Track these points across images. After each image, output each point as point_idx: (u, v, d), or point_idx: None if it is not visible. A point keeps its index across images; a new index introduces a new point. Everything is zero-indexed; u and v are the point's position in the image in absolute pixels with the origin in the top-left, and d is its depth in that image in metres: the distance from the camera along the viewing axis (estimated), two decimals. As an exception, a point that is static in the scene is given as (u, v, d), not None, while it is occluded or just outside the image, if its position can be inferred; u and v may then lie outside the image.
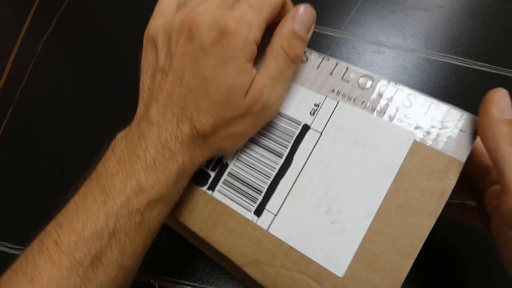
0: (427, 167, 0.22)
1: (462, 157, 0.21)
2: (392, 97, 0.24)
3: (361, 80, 0.24)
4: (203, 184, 0.26)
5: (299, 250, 0.23)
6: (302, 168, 0.24)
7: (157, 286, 0.32)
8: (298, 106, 0.25)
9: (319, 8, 0.44)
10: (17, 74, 0.46)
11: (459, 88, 0.43)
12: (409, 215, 0.21)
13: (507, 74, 0.44)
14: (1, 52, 0.49)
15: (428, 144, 0.22)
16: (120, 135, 0.23)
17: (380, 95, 0.24)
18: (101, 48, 0.48)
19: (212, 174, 0.26)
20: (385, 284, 0.21)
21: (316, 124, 0.24)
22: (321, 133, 0.24)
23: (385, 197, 0.22)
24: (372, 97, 0.24)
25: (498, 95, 0.20)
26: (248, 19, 0.20)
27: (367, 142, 0.23)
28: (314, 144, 0.24)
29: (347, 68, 0.25)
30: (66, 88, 0.45)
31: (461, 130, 0.22)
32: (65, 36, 0.50)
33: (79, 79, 0.46)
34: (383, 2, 0.52)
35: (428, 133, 0.22)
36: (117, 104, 0.41)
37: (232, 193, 0.25)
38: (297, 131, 0.25)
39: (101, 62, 0.47)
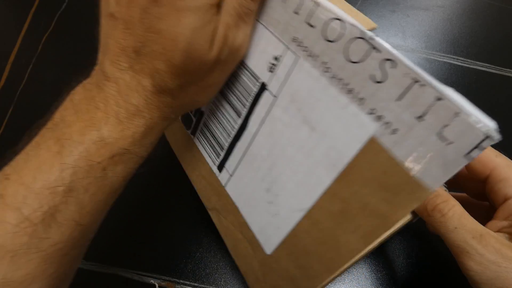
0: (378, 180, 0.15)
1: (434, 183, 0.14)
2: (363, 60, 0.17)
3: (331, 27, 0.17)
4: (188, 128, 0.26)
5: (243, 215, 0.23)
6: (255, 135, 0.21)
7: (157, 286, 0.32)
8: (259, 56, 0.21)
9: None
10: (17, 74, 0.46)
11: (459, 88, 0.42)
12: (340, 227, 0.18)
13: (507, 74, 0.44)
14: (1, 52, 0.48)
15: (388, 147, 0.15)
16: (80, 85, 0.21)
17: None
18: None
19: (194, 120, 0.26)
20: (300, 282, 0.20)
21: (273, 85, 0.20)
22: (277, 98, 0.20)
23: (321, 197, 0.18)
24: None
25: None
26: None
27: (317, 124, 0.18)
28: (268, 109, 0.20)
29: (317, 4, 0.17)
30: (66, 88, 0.45)
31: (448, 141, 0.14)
32: (65, 36, 0.50)
33: (79, 79, 0.46)
34: (383, 2, 0.52)
35: (395, 131, 0.15)
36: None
37: (206, 143, 0.25)
38: (256, 90, 0.21)
39: (101, 62, 0.47)
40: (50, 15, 0.52)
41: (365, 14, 0.45)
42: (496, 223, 0.20)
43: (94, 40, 0.47)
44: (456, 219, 0.19)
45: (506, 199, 0.20)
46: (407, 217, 0.17)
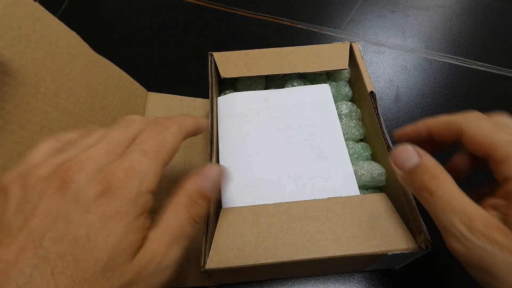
0: None
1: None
2: None
3: None
4: None
5: None
6: None
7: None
8: None
9: (319, 8, 0.44)
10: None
11: (459, 88, 0.43)
12: None
13: (507, 74, 0.44)
14: (1, 52, 0.48)
15: None
16: None
17: None
18: (101, 48, 0.48)
19: None
20: None
21: None
22: None
23: None
24: None
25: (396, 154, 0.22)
26: (141, 168, 0.18)
27: None
28: None
29: None
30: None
31: None
32: (65, 36, 0.50)
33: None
34: (383, 2, 0.52)
35: None
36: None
37: None
38: None
39: (101, 62, 0.47)
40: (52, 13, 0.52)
41: (365, 14, 0.46)
42: (494, 200, 0.19)
43: (94, 40, 0.47)
44: (446, 201, 0.19)
45: (506, 179, 0.19)
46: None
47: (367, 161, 0.30)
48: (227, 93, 0.34)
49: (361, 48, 0.33)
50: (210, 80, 0.32)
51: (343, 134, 0.31)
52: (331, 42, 0.48)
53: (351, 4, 0.52)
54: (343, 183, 0.27)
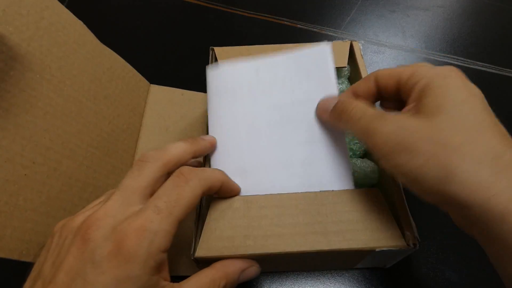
0: None
1: None
2: None
3: None
4: None
5: None
6: None
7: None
8: None
9: (319, 8, 0.44)
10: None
11: (459, 88, 0.43)
12: None
13: (507, 74, 0.44)
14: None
15: None
16: None
17: None
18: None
19: None
20: None
21: None
22: None
23: None
24: None
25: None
26: (153, 228, 0.18)
27: None
28: None
29: None
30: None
31: None
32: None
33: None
34: (383, 2, 0.52)
35: None
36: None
37: None
38: None
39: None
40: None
41: (365, 14, 0.46)
42: (405, 108, 0.21)
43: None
44: (359, 111, 0.22)
45: (415, 85, 0.21)
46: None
47: (360, 159, 0.30)
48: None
49: (361, 47, 0.33)
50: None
51: None
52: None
53: (351, 4, 0.52)
54: (337, 171, 0.26)
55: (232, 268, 0.22)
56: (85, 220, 0.19)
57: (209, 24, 0.49)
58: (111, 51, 0.35)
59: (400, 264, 0.31)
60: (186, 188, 0.20)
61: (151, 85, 0.40)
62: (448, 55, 0.46)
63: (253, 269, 0.23)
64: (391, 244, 0.22)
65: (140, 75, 0.38)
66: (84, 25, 0.31)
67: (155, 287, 0.19)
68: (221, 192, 0.24)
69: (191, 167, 0.22)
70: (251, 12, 0.51)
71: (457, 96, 0.19)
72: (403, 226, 0.23)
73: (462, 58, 0.46)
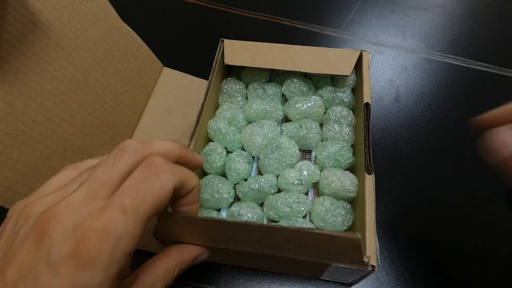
0: None
1: None
2: None
3: None
4: None
5: None
6: None
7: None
8: None
9: (319, 8, 0.44)
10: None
11: (459, 88, 0.43)
12: None
13: (507, 74, 0.44)
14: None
15: None
16: None
17: None
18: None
19: None
20: None
21: None
22: None
23: None
24: None
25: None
26: (117, 230, 0.16)
27: None
28: None
29: None
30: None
31: None
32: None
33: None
34: (383, 2, 0.52)
35: None
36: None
37: None
38: None
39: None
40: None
41: (365, 14, 0.46)
42: None
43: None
44: None
45: None
46: None
47: (341, 170, 0.30)
48: (229, 80, 0.36)
49: (370, 58, 0.33)
50: (214, 64, 0.33)
51: (331, 137, 0.32)
52: (331, 42, 0.48)
53: (351, 4, 0.52)
54: None
55: (187, 256, 0.22)
56: (45, 211, 0.17)
57: (208, 24, 0.49)
58: (130, 29, 0.36)
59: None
60: (156, 182, 0.18)
61: (164, 68, 0.41)
62: (448, 55, 0.46)
63: (205, 255, 0.23)
64: (347, 262, 0.22)
65: (154, 57, 0.39)
66: (108, 1, 0.33)
67: None
68: (194, 193, 0.22)
69: (164, 158, 0.19)
70: (251, 12, 0.51)
71: None
72: (366, 246, 0.23)
73: (462, 58, 0.46)
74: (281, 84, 0.36)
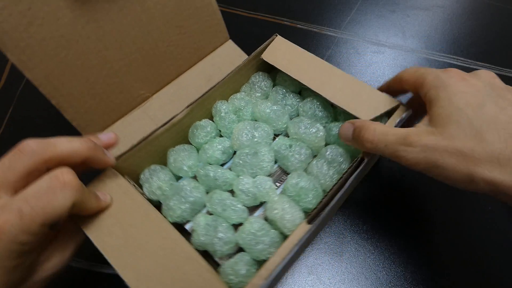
0: None
1: None
2: None
3: None
4: None
5: None
6: None
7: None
8: None
9: (319, 8, 0.44)
10: (17, 74, 0.46)
11: (459, 88, 0.43)
12: None
13: (507, 74, 0.44)
14: (1, 52, 0.48)
15: None
16: None
17: None
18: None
19: None
20: None
21: None
22: None
23: None
24: None
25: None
26: (12, 231, 0.18)
27: None
28: None
29: None
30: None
31: None
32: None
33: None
34: (383, 2, 0.52)
35: None
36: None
37: None
38: None
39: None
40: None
41: (365, 14, 0.45)
42: (423, 120, 0.24)
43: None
44: (382, 140, 0.24)
45: (426, 95, 0.25)
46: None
47: (293, 204, 0.28)
48: (259, 73, 0.36)
49: (404, 116, 0.29)
50: (252, 56, 0.34)
51: (314, 173, 0.30)
52: (331, 42, 0.48)
53: (351, 4, 0.52)
54: None
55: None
56: None
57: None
58: None
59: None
60: (59, 196, 0.19)
61: (229, 40, 0.40)
62: (448, 55, 0.46)
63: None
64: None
65: (223, 27, 0.39)
66: None
67: (18, 272, 0.19)
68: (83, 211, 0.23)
69: (72, 171, 0.21)
70: (251, 12, 0.51)
71: (461, 102, 0.22)
72: None
73: (462, 58, 0.46)
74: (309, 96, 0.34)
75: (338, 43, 0.48)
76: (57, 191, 0.19)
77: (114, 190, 0.26)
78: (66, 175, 0.20)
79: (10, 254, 0.19)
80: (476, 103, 0.22)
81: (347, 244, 0.33)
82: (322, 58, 0.33)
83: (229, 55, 0.39)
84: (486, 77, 0.24)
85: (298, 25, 0.49)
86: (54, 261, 0.22)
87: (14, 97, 0.44)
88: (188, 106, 0.32)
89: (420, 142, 0.22)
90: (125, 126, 0.33)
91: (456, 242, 0.32)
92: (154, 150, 0.32)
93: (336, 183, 0.26)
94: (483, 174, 0.20)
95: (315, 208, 0.25)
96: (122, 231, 0.24)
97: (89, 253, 0.30)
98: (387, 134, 0.24)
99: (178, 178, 0.33)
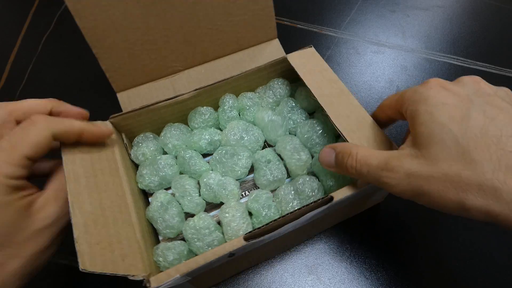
0: None
1: None
2: None
3: None
4: None
5: None
6: None
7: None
8: None
9: (319, 8, 0.44)
10: (17, 74, 0.46)
11: (459, 88, 0.43)
12: None
13: (507, 74, 0.44)
14: (1, 52, 0.49)
15: None
16: None
17: None
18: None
19: None
20: None
21: None
22: None
23: None
24: None
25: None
26: None
27: None
28: None
29: None
30: (66, 88, 0.45)
31: None
32: (65, 36, 0.50)
33: (79, 79, 0.46)
34: (383, 2, 0.52)
35: None
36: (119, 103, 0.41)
37: None
38: None
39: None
40: (50, 15, 0.52)
41: (365, 14, 0.45)
42: (406, 142, 0.22)
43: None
44: (365, 167, 0.22)
45: (405, 113, 0.23)
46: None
47: (244, 215, 0.28)
48: (279, 79, 0.36)
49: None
50: (277, 61, 0.34)
51: (277, 201, 0.30)
52: (331, 42, 0.48)
53: (351, 4, 0.52)
54: None
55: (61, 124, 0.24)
56: None
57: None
58: None
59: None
60: (31, 128, 0.22)
61: (276, 39, 0.40)
62: (448, 55, 0.46)
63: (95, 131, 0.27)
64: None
65: (273, 25, 0.39)
66: None
67: (12, 203, 0.21)
68: (85, 139, 0.26)
69: (44, 115, 0.23)
70: (251, 12, 0.51)
71: (443, 116, 0.20)
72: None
73: (462, 58, 0.46)
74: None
75: (338, 43, 0.48)
76: (29, 126, 0.22)
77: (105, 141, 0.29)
78: (34, 116, 0.23)
79: (1, 187, 0.20)
80: (461, 115, 0.19)
81: (347, 244, 0.33)
82: (322, 58, 0.33)
83: (270, 53, 0.39)
84: (470, 82, 0.22)
85: (298, 25, 0.49)
86: (48, 211, 0.23)
87: (14, 97, 0.44)
88: (195, 90, 0.33)
89: (402, 168, 0.20)
90: (149, 90, 0.36)
91: (456, 240, 0.32)
92: (155, 119, 0.34)
93: (285, 215, 0.24)
94: (474, 202, 0.18)
95: (258, 228, 0.24)
96: (91, 170, 0.26)
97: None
98: (369, 159, 0.22)
99: (165, 152, 0.34)
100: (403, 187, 0.20)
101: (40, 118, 0.23)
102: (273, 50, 0.39)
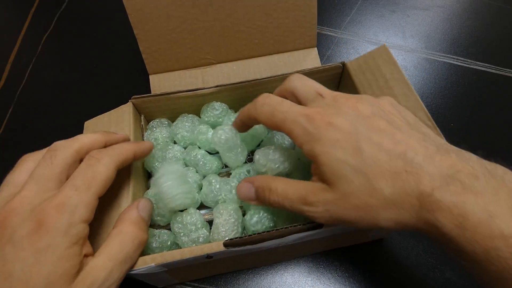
0: None
1: None
2: None
3: None
4: None
5: None
6: None
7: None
8: None
9: (319, 8, 0.44)
10: (17, 74, 0.46)
11: (459, 88, 0.43)
12: None
13: (507, 74, 0.44)
14: (1, 52, 0.49)
15: None
16: None
17: None
18: (101, 47, 0.48)
19: None
20: None
21: None
22: None
23: None
24: None
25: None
26: (72, 202, 0.20)
27: None
28: None
29: None
30: (66, 88, 0.45)
31: None
32: (65, 36, 0.50)
33: (79, 79, 0.46)
34: (383, 2, 0.52)
35: None
36: (118, 104, 0.41)
37: None
38: None
39: (101, 62, 0.47)
40: (50, 15, 0.52)
41: (365, 14, 0.45)
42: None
43: (94, 40, 0.47)
44: (286, 201, 0.23)
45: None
46: None
47: (237, 222, 0.27)
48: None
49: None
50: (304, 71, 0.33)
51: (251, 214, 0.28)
52: (331, 42, 0.48)
53: (351, 4, 0.52)
54: None
55: (133, 210, 0.24)
56: (0, 212, 0.20)
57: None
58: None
59: (401, 264, 0.31)
60: (100, 165, 0.22)
61: (314, 48, 0.39)
62: (448, 55, 0.46)
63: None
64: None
65: (314, 33, 0.38)
66: None
67: (76, 255, 0.20)
68: (137, 158, 0.27)
69: (100, 149, 0.24)
70: (251, 12, 0.51)
71: (338, 152, 0.21)
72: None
73: (462, 58, 0.46)
74: None
75: (338, 43, 0.48)
76: (95, 163, 0.22)
77: (125, 117, 0.31)
78: (94, 152, 0.23)
79: (74, 222, 0.20)
80: (353, 148, 0.20)
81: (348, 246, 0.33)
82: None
83: (306, 61, 0.39)
84: (349, 107, 0.22)
85: (298, 25, 0.49)
86: (92, 281, 0.21)
87: (14, 97, 0.44)
88: (216, 86, 0.33)
89: (320, 203, 0.21)
90: (179, 77, 0.38)
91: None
92: (173, 108, 0.35)
93: (270, 231, 0.24)
94: (386, 221, 0.20)
95: (240, 237, 0.24)
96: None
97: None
98: (288, 193, 0.23)
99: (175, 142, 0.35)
100: (326, 218, 0.21)
101: (103, 154, 0.23)
102: (309, 58, 0.39)
